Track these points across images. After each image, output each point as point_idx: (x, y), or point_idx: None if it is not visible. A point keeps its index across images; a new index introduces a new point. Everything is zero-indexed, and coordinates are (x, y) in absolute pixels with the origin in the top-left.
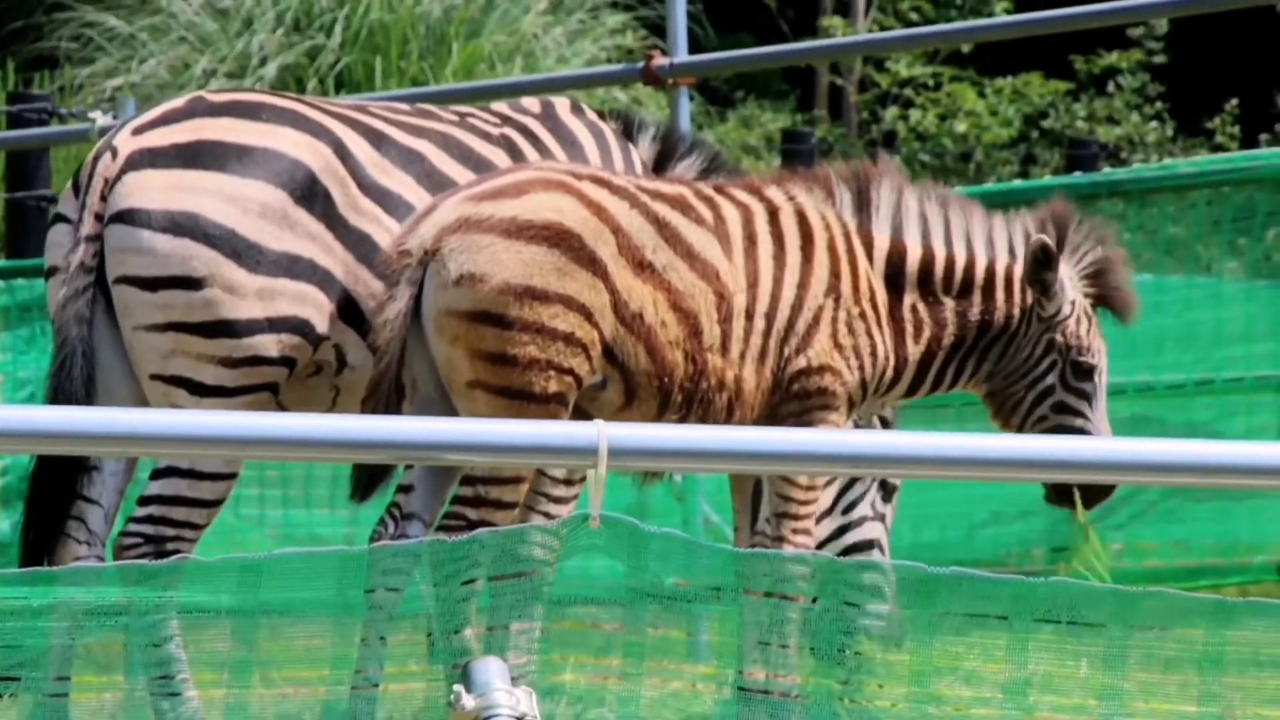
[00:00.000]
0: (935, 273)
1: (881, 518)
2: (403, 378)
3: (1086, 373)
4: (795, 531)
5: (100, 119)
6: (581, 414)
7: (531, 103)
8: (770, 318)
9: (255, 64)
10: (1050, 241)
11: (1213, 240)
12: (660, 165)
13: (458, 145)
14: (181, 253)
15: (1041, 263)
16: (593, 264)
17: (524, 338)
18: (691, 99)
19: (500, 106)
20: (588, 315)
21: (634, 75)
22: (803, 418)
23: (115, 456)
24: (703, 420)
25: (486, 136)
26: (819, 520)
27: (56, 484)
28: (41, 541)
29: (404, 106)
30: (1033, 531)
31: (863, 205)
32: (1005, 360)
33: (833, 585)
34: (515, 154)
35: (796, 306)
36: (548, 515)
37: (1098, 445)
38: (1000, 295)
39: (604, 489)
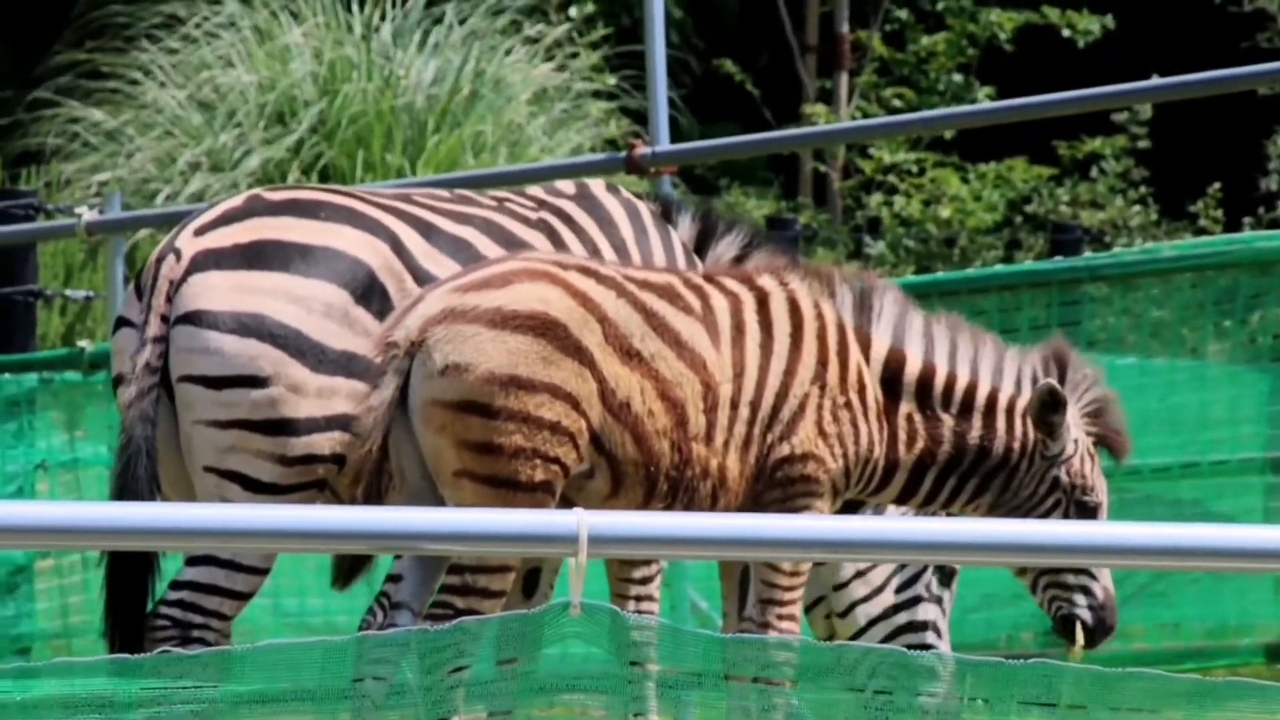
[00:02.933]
0: (935, 387)
1: (939, 600)
2: (390, 467)
3: (1091, 511)
4: (780, 617)
5: (86, 214)
6: (569, 504)
7: (567, 185)
8: (755, 406)
9: (239, 157)
10: (1058, 386)
11: (1197, 323)
12: (701, 245)
13: (500, 230)
14: (248, 353)
15: (1049, 406)
16: (579, 353)
17: (510, 427)
18: (675, 187)
19: (536, 190)
20: (574, 404)
21: (616, 164)
22: (786, 504)
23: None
24: (688, 508)
25: (525, 220)
26: (870, 598)
27: (131, 575)
28: (126, 634)
29: (445, 193)
30: (1024, 616)
31: (864, 308)
32: (1008, 495)
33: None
34: (553, 237)
35: (782, 394)
36: (638, 600)
37: (1086, 530)
38: (1001, 424)
39: (584, 576)
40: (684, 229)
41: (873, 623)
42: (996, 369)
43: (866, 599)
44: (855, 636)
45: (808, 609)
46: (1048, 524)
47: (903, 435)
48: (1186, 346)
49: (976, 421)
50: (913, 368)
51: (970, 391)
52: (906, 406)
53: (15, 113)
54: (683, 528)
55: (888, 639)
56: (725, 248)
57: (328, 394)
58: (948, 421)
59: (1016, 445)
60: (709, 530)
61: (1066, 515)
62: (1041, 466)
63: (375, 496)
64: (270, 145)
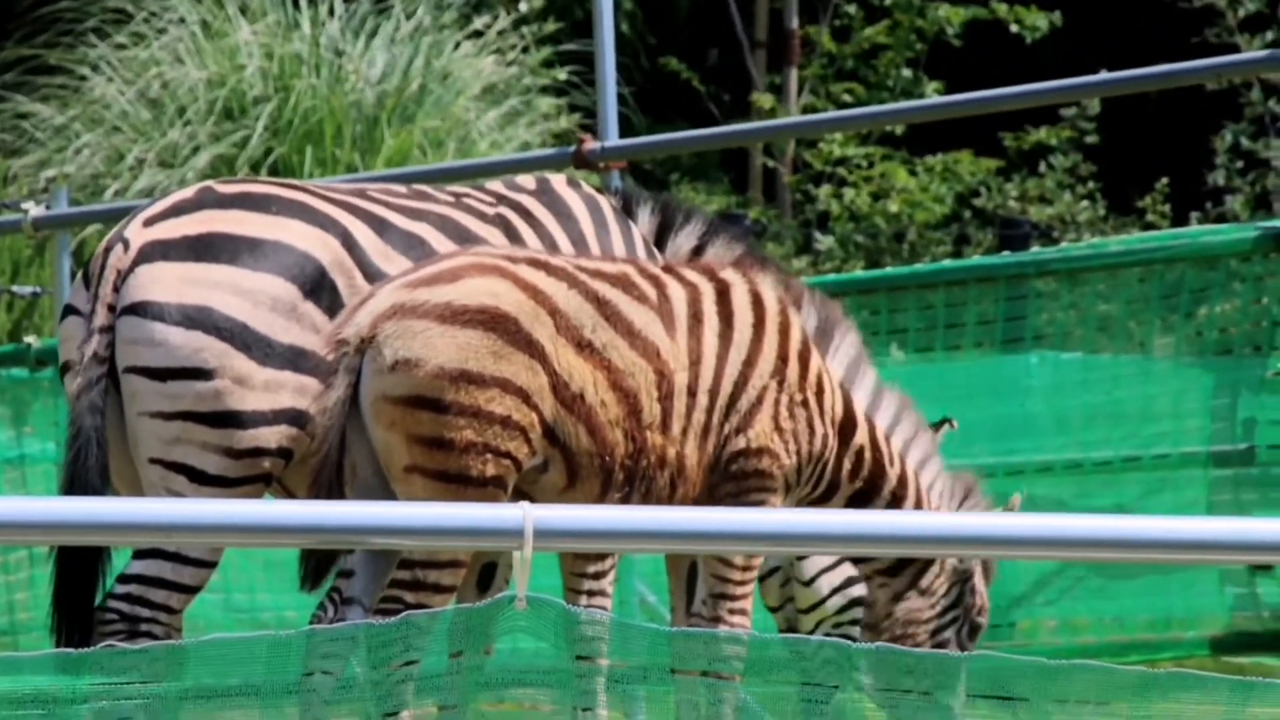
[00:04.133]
0: (876, 442)
1: None
2: (343, 464)
3: (974, 632)
4: (731, 612)
5: (33, 209)
6: (525, 498)
7: (527, 180)
8: (713, 394)
9: (188, 153)
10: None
11: (1144, 318)
12: (660, 237)
13: (455, 226)
14: (193, 344)
15: (964, 577)
16: (530, 346)
17: (460, 422)
18: (624, 180)
19: (496, 185)
20: (525, 398)
21: (565, 159)
22: (739, 498)
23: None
24: (646, 499)
25: (482, 216)
26: (833, 566)
27: (80, 570)
28: (74, 629)
29: (401, 189)
30: None
31: (825, 334)
32: (913, 594)
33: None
34: (510, 232)
35: (740, 384)
36: (590, 594)
37: (1030, 521)
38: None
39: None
40: (643, 222)
41: (834, 591)
42: (921, 463)
43: (830, 567)
44: (815, 605)
45: (762, 578)
46: (994, 517)
47: (848, 464)
48: (1134, 341)
49: (886, 489)
50: (857, 411)
51: (884, 469)
52: (860, 439)
53: None
54: (629, 521)
55: (843, 609)
56: (684, 239)
57: (274, 387)
58: (890, 481)
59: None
60: (655, 524)
61: (959, 634)
62: (954, 578)
63: (336, 495)
64: (220, 141)
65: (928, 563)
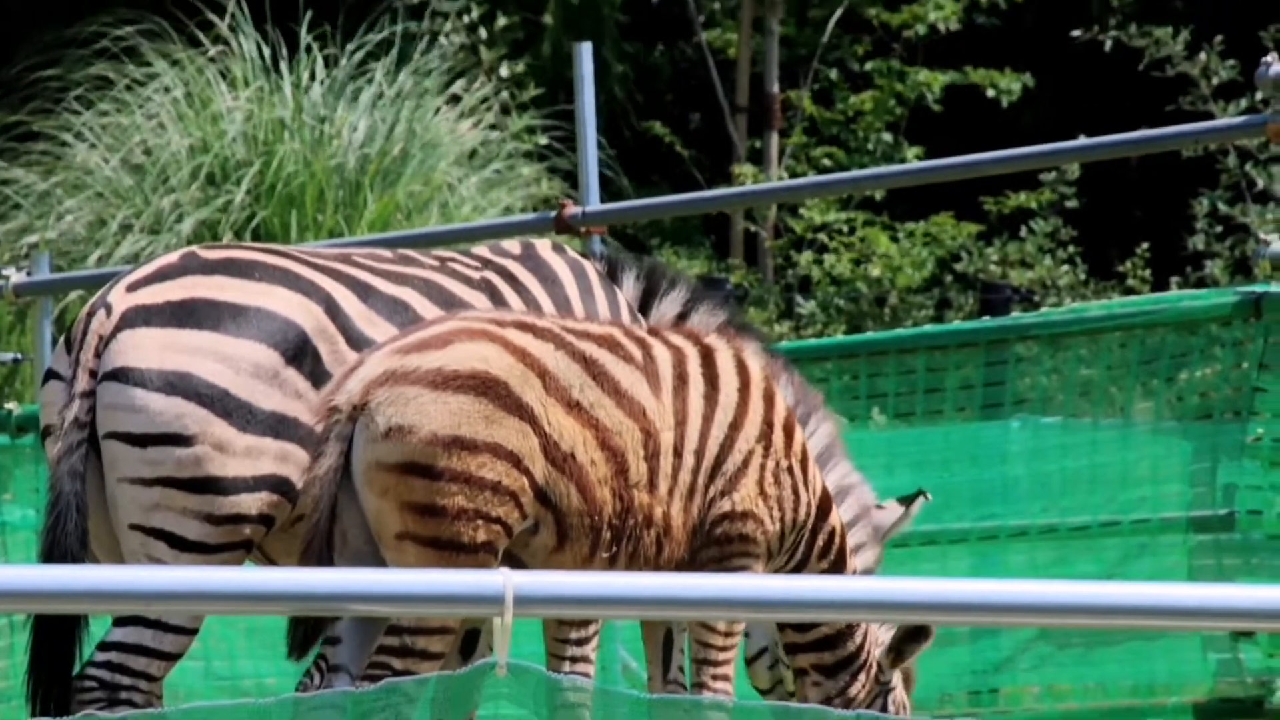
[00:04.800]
0: (842, 530)
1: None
2: (334, 532)
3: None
4: (715, 678)
5: (14, 276)
6: (515, 561)
7: (512, 244)
8: (699, 455)
9: (172, 220)
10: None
11: (1125, 382)
12: (645, 303)
13: (440, 291)
14: (174, 410)
15: (913, 636)
16: (520, 410)
17: (452, 488)
18: (605, 244)
19: (481, 250)
20: (516, 462)
21: (546, 224)
22: (723, 563)
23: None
24: (632, 559)
25: (468, 281)
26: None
27: (58, 638)
28: (50, 698)
29: (386, 253)
30: (957, 671)
31: (801, 419)
32: (838, 700)
33: None
34: (495, 297)
35: (726, 446)
36: (573, 660)
37: (1011, 588)
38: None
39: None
40: (628, 287)
41: None
42: (861, 571)
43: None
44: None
45: (750, 660)
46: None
47: (820, 541)
48: (1114, 406)
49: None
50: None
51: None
52: (834, 520)
53: None
54: (609, 587)
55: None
56: (668, 305)
57: (255, 454)
58: (847, 571)
59: (863, 653)
60: (635, 590)
61: None
62: (874, 689)
63: (327, 563)
64: (203, 207)
65: (860, 667)
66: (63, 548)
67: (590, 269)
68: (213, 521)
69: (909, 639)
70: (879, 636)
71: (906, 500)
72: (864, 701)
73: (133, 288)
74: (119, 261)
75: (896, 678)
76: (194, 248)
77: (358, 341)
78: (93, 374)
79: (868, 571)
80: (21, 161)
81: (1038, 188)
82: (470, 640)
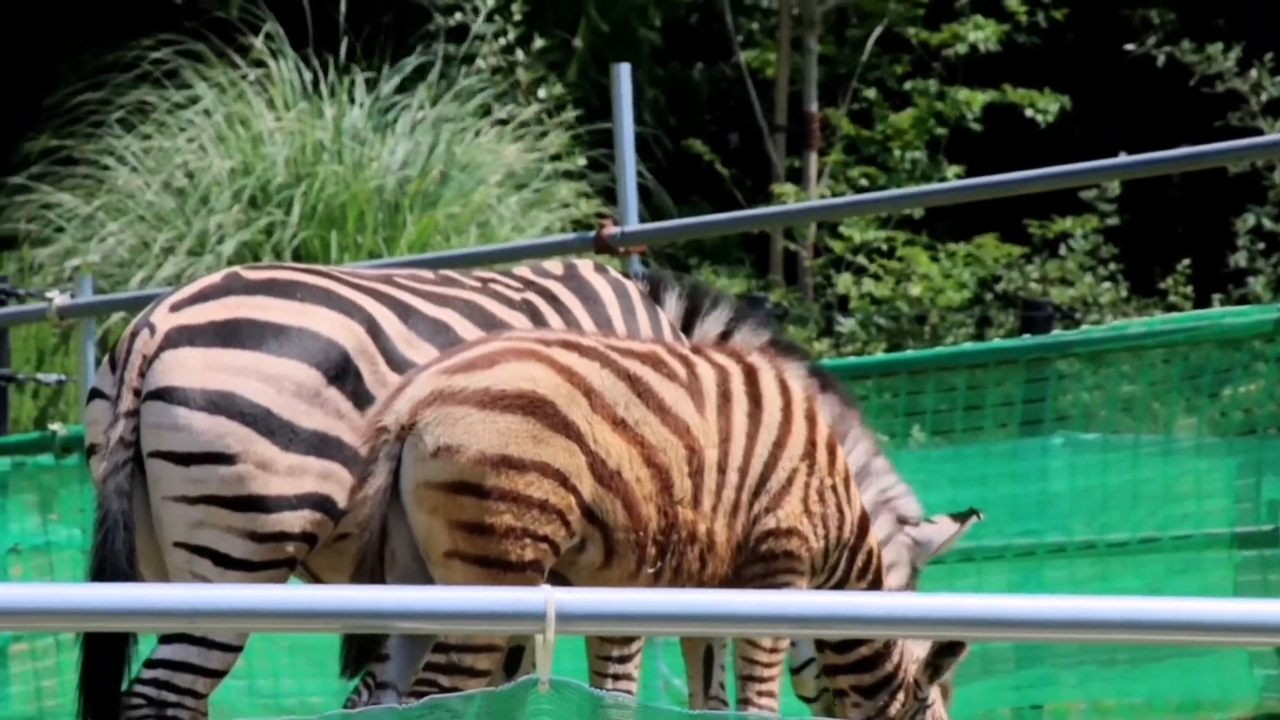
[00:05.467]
0: (879, 550)
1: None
2: (385, 551)
3: None
4: (760, 694)
5: (58, 298)
6: (561, 579)
7: (554, 265)
8: (743, 472)
9: (214, 241)
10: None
11: (1168, 399)
12: (688, 322)
13: (480, 312)
14: (216, 430)
15: (948, 651)
16: (567, 429)
17: (501, 507)
18: (646, 265)
19: (523, 270)
20: (564, 481)
21: (586, 244)
22: (767, 580)
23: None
24: (677, 575)
25: (509, 302)
26: None
27: (106, 656)
28: (100, 715)
29: (428, 274)
30: (1000, 690)
31: (840, 435)
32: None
33: None
34: (536, 317)
35: (770, 464)
36: (616, 678)
37: (1054, 604)
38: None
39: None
40: (671, 307)
41: None
42: (900, 588)
43: None
44: None
45: (797, 670)
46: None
47: (860, 561)
48: (1158, 422)
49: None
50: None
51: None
52: (872, 540)
53: None
54: (651, 604)
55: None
56: (711, 324)
57: (298, 472)
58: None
59: (901, 672)
60: (677, 606)
61: None
62: (913, 706)
63: (379, 581)
64: (245, 229)
65: (898, 687)
66: (111, 565)
67: (633, 289)
68: (256, 539)
69: (944, 653)
70: (914, 653)
71: (959, 517)
72: (905, 717)
73: (176, 308)
74: (161, 283)
75: (934, 694)
76: (237, 268)
77: (398, 362)
78: (137, 393)
79: (900, 590)
80: (65, 185)
81: (1080, 207)
82: (515, 657)
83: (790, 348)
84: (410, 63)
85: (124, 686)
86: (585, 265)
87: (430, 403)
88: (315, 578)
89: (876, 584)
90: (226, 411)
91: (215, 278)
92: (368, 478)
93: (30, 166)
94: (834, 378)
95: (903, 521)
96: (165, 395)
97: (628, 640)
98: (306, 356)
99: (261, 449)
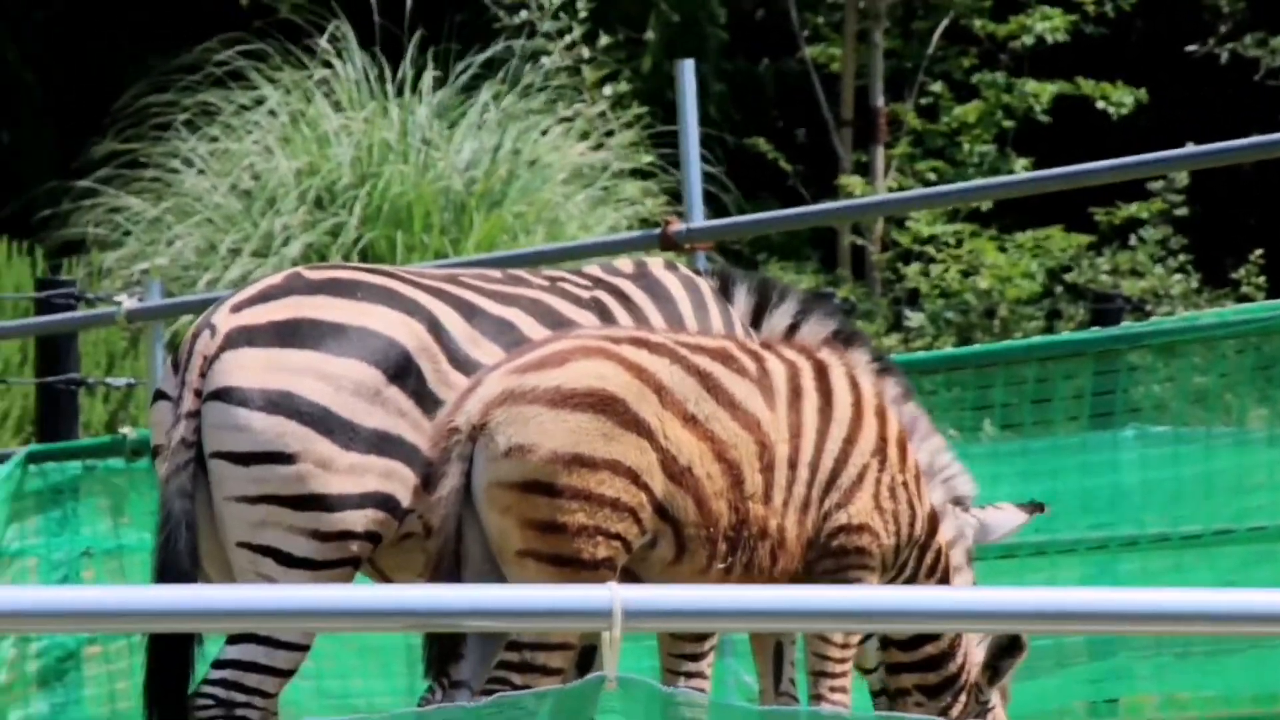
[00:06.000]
0: (934, 545)
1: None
2: (460, 551)
3: None
4: (833, 690)
5: (127, 302)
6: (632, 575)
7: (625, 263)
8: (814, 468)
9: (279, 243)
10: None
11: (1240, 390)
12: (756, 316)
13: (548, 311)
14: (276, 429)
15: (1008, 650)
16: (638, 426)
17: (573, 505)
18: (712, 262)
19: (594, 269)
20: (635, 478)
21: (651, 241)
22: (838, 575)
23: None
24: (747, 571)
25: (577, 300)
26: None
27: (172, 657)
28: (167, 714)
29: (496, 274)
30: (1073, 684)
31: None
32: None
33: None
34: (605, 316)
35: (841, 460)
36: (689, 676)
37: (1128, 597)
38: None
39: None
40: (740, 301)
41: None
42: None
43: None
44: None
45: (869, 672)
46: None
47: (929, 559)
48: (1230, 414)
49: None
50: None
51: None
52: (940, 539)
53: (58, 204)
54: (718, 600)
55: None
56: (779, 318)
57: (359, 471)
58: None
59: (964, 673)
60: (744, 603)
61: None
62: (975, 709)
63: (455, 581)
64: (311, 230)
65: (962, 688)
66: (173, 566)
67: (704, 285)
68: (319, 538)
69: (1003, 654)
70: (976, 657)
71: (1027, 508)
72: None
73: (237, 308)
74: (227, 286)
75: (995, 697)
76: (299, 268)
77: (462, 361)
78: (198, 394)
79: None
80: (132, 189)
81: (1147, 196)
82: (588, 656)
83: (856, 336)
84: (476, 61)
85: (189, 688)
86: (656, 263)
87: (501, 402)
88: (384, 576)
89: (945, 582)
90: (285, 411)
91: (277, 278)
92: (440, 479)
93: (97, 171)
94: (895, 368)
95: (957, 502)
96: (225, 396)
97: (700, 638)
98: (366, 355)
99: (321, 448)
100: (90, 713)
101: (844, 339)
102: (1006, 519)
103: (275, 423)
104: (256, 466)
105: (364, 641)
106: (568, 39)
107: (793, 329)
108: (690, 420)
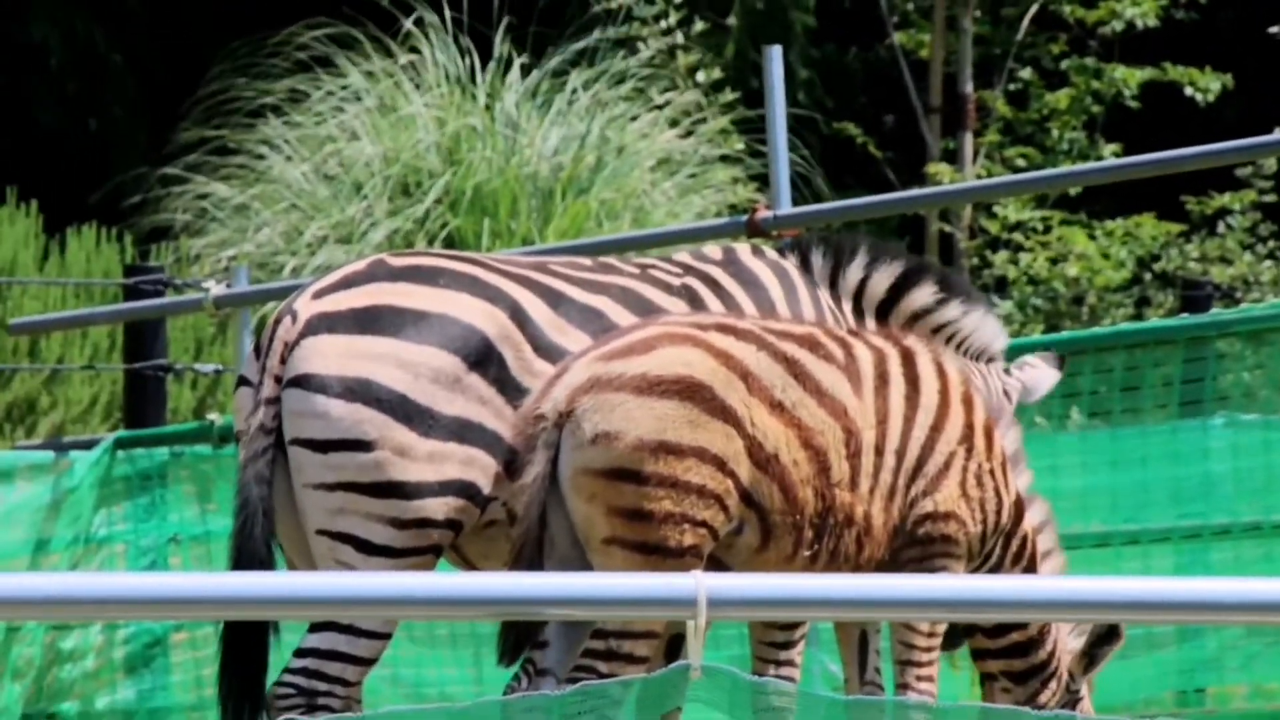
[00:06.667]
0: (1032, 536)
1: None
2: (544, 538)
3: None
4: (919, 679)
5: (214, 288)
6: (717, 562)
7: (714, 250)
8: (900, 455)
9: (364, 229)
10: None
11: None
12: (834, 275)
13: (637, 299)
14: (353, 417)
15: (1104, 639)
16: (725, 413)
17: (660, 493)
18: None
19: (683, 256)
20: (722, 466)
21: (738, 228)
22: (924, 564)
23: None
24: (833, 558)
25: (667, 288)
26: None
27: (248, 645)
28: (242, 707)
29: (586, 262)
30: (1163, 673)
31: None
32: (1029, 707)
33: None
34: (696, 302)
35: (928, 448)
36: (778, 664)
37: (1217, 586)
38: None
39: (704, 639)
40: (817, 267)
41: None
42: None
43: None
44: None
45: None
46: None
47: (1015, 546)
48: None
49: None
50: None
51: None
52: (1027, 526)
53: (147, 191)
54: (803, 589)
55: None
56: (854, 271)
57: (439, 459)
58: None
59: (1054, 660)
60: (830, 591)
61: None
62: (1064, 697)
63: (538, 569)
64: (396, 216)
65: (1050, 675)
66: (249, 552)
67: (792, 270)
68: (398, 525)
69: (1101, 643)
70: (1068, 645)
71: (1048, 358)
72: (1054, 709)
73: (318, 295)
74: (313, 272)
75: (1085, 688)
76: (383, 255)
77: (546, 349)
78: (278, 380)
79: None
80: (219, 175)
81: (1238, 184)
82: (675, 645)
83: (920, 272)
84: (566, 48)
85: (265, 678)
86: (744, 249)
87: (587, 389)
88: (469, 564)
89: (1031, 568)
90: (363, 398)
91: (360, 264)
92: (526, 466)
93: (185, 157)
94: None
95: (989, 360)
96: (304, 382)
97: (790, 627)
98: (445, 343)
99: (399, 435)
100: (177, 699)
101: (910, 277)
102: (1043, 373)
103: (353, 410)
104: (334, 454)
105: (433, 631)
106: (663, 24)
107: (864, 280)
108: (777, 407)
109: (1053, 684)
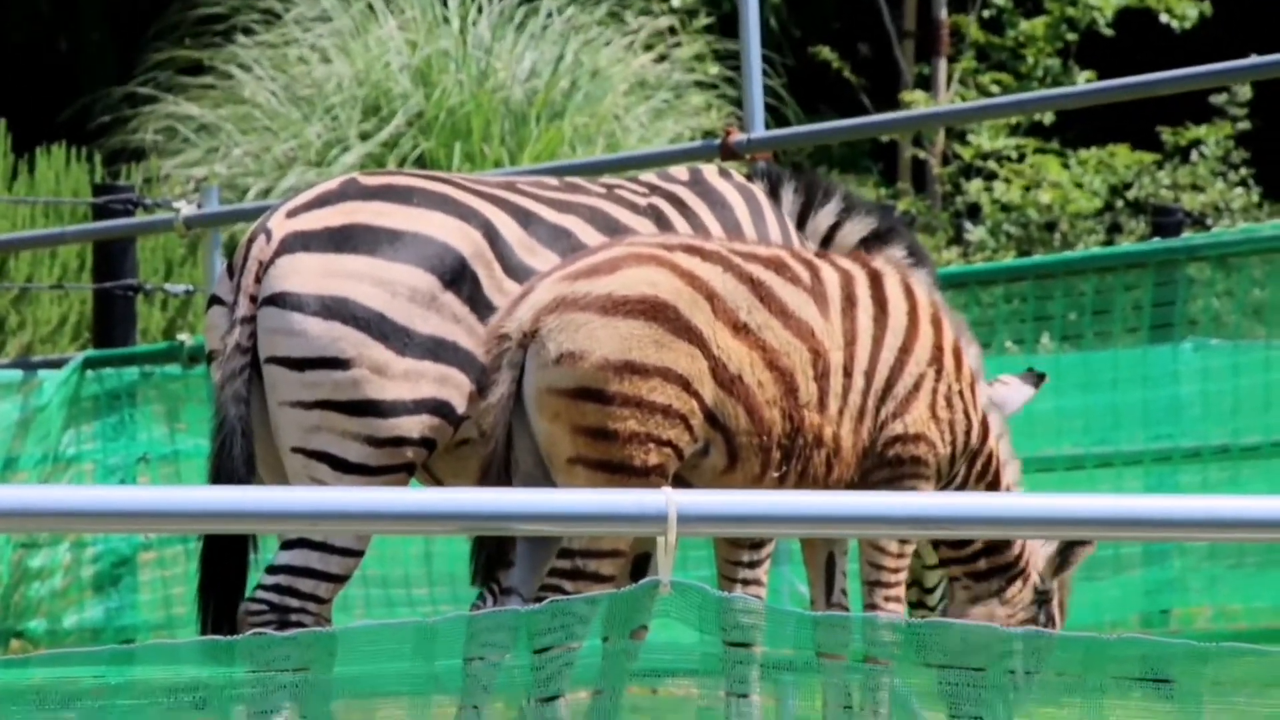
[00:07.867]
0: (996, 452)
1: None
2: (510, 457)
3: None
4: (888, 599)
5: (185, 208)
6: (684, 483)
7: (680, 171)
8: (869, 376)
9: (336, 152)
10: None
11: None
12: (802, 216)
13: (604, 218)
14: (331, 334)
15: (1067, 552)
16: (690, 333)
17: (624, 412)
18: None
19: (649, 176)
20: (686, 385)
21: (711, 151)
22: (893, 484)
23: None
24: (802, 479)
25: (634, 207)
26: None
27: (226, 559)
28: (221, 619)
29: (552, 181)
30: (1129, 595)
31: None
32: (994, 602)
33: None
34: (663, 223)
35: (897, 369)
36: (745, 583)
37: (1183, 503)
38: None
39: (674, 555)
40: (787, 202)
41: None
42: (1010, 486)
43: None
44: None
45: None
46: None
47: (979, 465)
48: None
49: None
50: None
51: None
52: (991, 443)
53: (117, 110)
54: (773, 506)
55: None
56: (824, 216)
57: (414, 377)
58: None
59: (1022, 560)
60: (799, 508)
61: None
62: (1032, 596)
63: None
64: (366, 139)
65: (1017, 574)
66: (228, 471)
67: (759, 193)
68: (373, 444)
69: (1072, 544)
70: (1037, 547)
71: (1028, 377)
72: (1021, 604)
73: (292, 214)
74: (283, 194)
75: (1056, 586)
76: (355, 174)
77: (516, 268)
78: (253, 299)
79: (1016, 485)
80: (189, 95)
81: (1212, 113)
82: (641, 564)
83: (892, 232)
84: None
85: (243, 594)
86: (710, 170)
87: (552, 309)
88: (439, 483)
89: (995, 485)
90: (340, 316)
91: (333, 184)
92: (491, 386)
93: (156, 75)
94: (929, 261)
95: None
96: (280, 301)
97: (756, 545)
98: (421, 261)
99: (376, 354)
100: (144, 618)
101: (882, 235)
102: (1016, 393)
103: (330, 328)
104: (311, 371)
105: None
106: None
107: (834, 228)
108: (742, 328)
109: (1019, 582)
